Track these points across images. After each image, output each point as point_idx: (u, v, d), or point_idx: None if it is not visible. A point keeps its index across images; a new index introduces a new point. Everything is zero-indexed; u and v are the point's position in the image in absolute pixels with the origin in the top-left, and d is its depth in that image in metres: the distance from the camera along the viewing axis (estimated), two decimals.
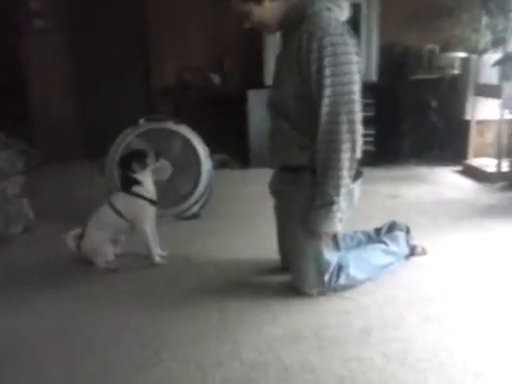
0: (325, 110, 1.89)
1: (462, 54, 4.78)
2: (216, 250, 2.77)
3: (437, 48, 4.98)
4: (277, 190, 2.28)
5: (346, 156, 1.90)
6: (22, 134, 4.97)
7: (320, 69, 1.87)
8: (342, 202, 1.97)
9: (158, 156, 2.62)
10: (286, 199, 2.19)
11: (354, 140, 1.91)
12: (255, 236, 2.87)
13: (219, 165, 4.75)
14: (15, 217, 3.10)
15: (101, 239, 2.54)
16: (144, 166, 2.56)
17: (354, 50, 1.91)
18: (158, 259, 2.58)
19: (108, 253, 2.58)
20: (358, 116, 1.92)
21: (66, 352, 1.81)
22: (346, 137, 1.89)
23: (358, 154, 1.95)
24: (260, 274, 2.41)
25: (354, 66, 1.89)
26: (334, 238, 2.11)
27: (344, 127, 1.89)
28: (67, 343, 1.88)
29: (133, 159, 2.56)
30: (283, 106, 2.06)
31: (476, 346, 1.75)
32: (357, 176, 2.08)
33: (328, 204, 1.95)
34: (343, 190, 1.94)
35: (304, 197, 2.05)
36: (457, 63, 4.79)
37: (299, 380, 1.59)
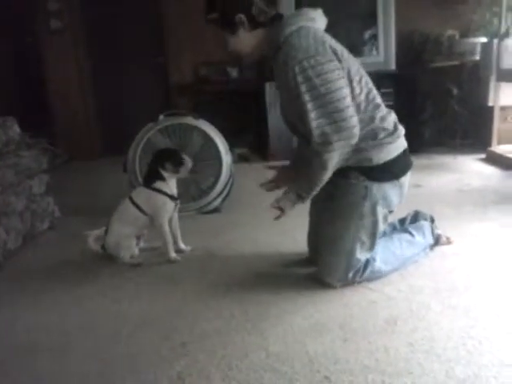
0: (315, 132, 1.90)
1: (482, 39, 4.69)
2: (239, 243, 2.79)
3: (457, 34, 4.90)
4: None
5: (329, 168, 1.95)
6: (43, 133, 5.08)
7: (299, 95, 1.89)
8: (376, 193, 2.05)
9: (192, 171, 2.65)
10: (327, 197, 2.18)
11: (347, 137, 1.90)
12: (278, 228, 2.86)
13: (239, 159, 4.77)
14: (41, 214, 3.16)
15: (124, 234, 2.57)
16: (176, 171, 2.58)
17: (332, 66, 1.89)
18: (173, 256, 2.59)
19: (132, 247, 2.61)
20: (348, 121, 1.89)
21: (92, 345, 1.85)
22: (334, 154, 1.91)
23: (353, 141, 1.93)
24: (284, 266, 2.42)
25: (332, 83, 1.88)
26: (373, 237, 2.10)
27: (332, 147, 1.90)
28: (93, 337, 1.91)
29: (169, 160, 2.57)
30: (294, 125, 2.12)
31: (504, 335, 1.73)
32: (407, 168, 2.12)
33: (297, 194, 2.04)
34: (314, 192, 2.03)
35: (350, 195, 2.08)
36: (478, 49, 4.70)
37: (325, 371, 1.59)
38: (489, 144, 4.46)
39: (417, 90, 4.91)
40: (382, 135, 2.03)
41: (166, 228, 2.58)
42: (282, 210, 2.07)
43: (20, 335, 1.97)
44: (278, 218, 2.10)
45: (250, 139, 5.10)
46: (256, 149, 5.07)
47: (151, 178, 2.58)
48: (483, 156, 4.43)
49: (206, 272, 2.43)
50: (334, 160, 1.93)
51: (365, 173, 2.05)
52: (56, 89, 5.66)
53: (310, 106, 1.88)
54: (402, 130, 2.12)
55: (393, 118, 2.11)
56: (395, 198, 2.11)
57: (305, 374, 1.58)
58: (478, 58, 4.67)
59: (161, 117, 3.41)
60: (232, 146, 3.55)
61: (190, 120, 3.36)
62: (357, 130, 1.91)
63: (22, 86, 5.47)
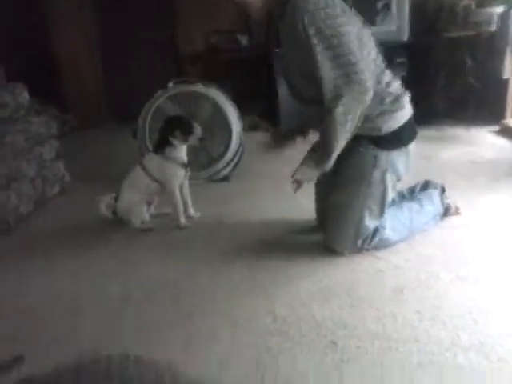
0: (327, 86, 1.86)
1: (499, 9, 4.57)
2: (248, 210, 2.80)
3: (473, 3, 4.76)
4: None
5: (343, 124, 1.88)
6: (52, 100, 5.07)
7: (310, 48, 1.85)
8: (385, 161, 2.04)
9: (202, 139, 2.63)
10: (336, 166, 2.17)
11: (361, 99, 1.86)
12: (287, 197, 2.86)
13: (249, 126, 4.74)
14: (51, 180, 3.18)
15: (135, 200, 2.59)
16: (185, 139, 2.57)
17: (343, 20, 1.86)
18: (183, 222, 2.61)
19: (142, 213, 2.63)
20: (361, 74, 1.84)
21: (103, 308, 1.88)
22: (346, 108, 1.85)
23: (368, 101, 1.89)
24: (292, 233, 2.43)
25: (344, 36, 1.84)
26: (382, 205, 2.10)
27: (343, 101, 1.85)
28: (104, 300, 1.94)
29: (179, 128, 2.56)
30: (298, 91, 2.11)
31: (511, 306, 1.73)
32: (413, 135, 2.11)
33: (315, 163, 2.00)
34: (332, 158, 1.96)
35: (359, 163, 2.08)
36: (494, 19, 4.58)
37: (332, 335, 1.61)
38: (502, 116, 4.39)
39: (430, 60, 4.81)
40: (388, 100, 2.01)
41: (177, 195, 2.59)
42: (299, 182, 2.06)
43: (31, 298, 2.00)
44: (296, 189, 2.09)
45: (261, 107, 5.04)
46: (266, 117, 5.02)
47: (162, 145, 2.58)
48: (496, 128, 4.36)
49: (216, 238, 2.45)
50: (348, 116, 1.86)
51: (373, 141, 2.05)
52: (63, 54, 5.62)
53: (321, 58, 1.84)
54: (407, 95, 2.11)
55: (398, 83, 2.10)
56: (403, 165, 2.11)
57: (312, 339, 1.60)
58: (494, 28, 4.55)
59: (170, 84, 3.38)
60: (242, 113, 3.52)
61: (199, 88, 3.34)
62: (370, 84, 1.86)
63: (27, 51, 5.41)
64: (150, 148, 3.12)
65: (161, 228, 2.62)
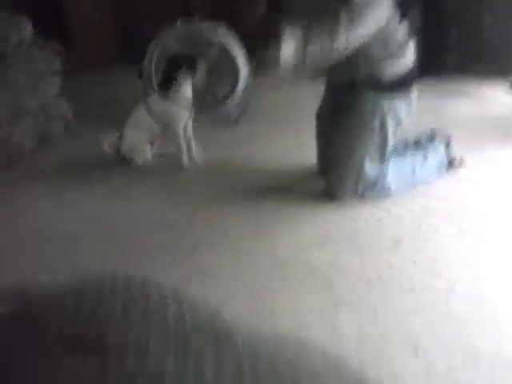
0: None
1: None
2: (254, 155, 2.77)
3: None
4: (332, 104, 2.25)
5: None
6: (56, 36, 4.95)
7: None
8: (386, 106, 2.05)
9: (210, 76, 2.58)
10: (336, 110, 2.17)
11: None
12: (295, 142, 2.83)
13: (258, 69, 4.61)
14: (55, 117, 3.14)
15: (138, 139, 2.57)
16: (191, 74, 2.53)
17: None
18: (187, 163, 2.60)
19: (145, 152, 2.62)
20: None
21: (102, 243, 1.90)
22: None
23: None
24: (296, 179, 2.42)
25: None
26: (383, 151, 2.08)
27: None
28: (104, 234, 1.96)
29: (184, 63, 2.53)
30: None
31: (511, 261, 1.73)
32: (415, 81, 2.14)
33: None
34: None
35: (360, 108, 2.07)
36: None
37: (327, 279, 1.63)
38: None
39: (446, 12, 4.63)
40: (392, 45, 2.01)
41: (181, 135, 2.57)
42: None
43: (32, 229, 2.03)
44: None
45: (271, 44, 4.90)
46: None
47: (166, 84, 2.53)
48: (508, 84, 4.25)
49: (219, 182, 2.45)
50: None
51: (375, 86, 2.04)
52: None
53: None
54: (412, 43, 2.10)
55: (405, 30, 2.07)
56: (404, 111, 2.11)
57: (308, 281, 1.62)
58: None
59: (178, 23, 3.28)
60: (251, 55, 3.42)
61: (207, 27, 3.23)
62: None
63: None
64: (156, 88, 3.06)
65: (163, 169, 2.61)
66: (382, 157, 2.10)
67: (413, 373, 1.27)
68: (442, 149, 2.35)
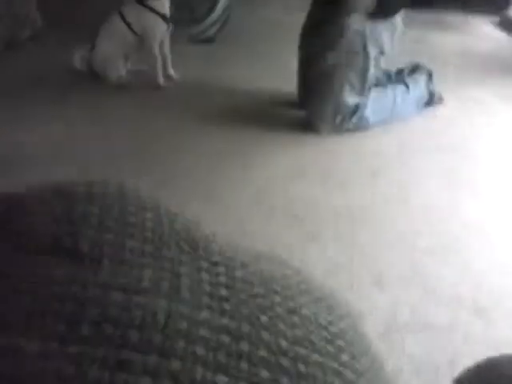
0: None
1: None
2: (230, 77, 2.67)
3: None
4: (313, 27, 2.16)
5: None
6: None
7: None
8: (368, 31, 2.00)
9: None
10: (319, 32, 2.08)
11: None
12: (274, 67, 2.74)
13: None
14: (22, 21, 2.95)
15: (112, 53, 2.44)
16: None
17: None
18: (162, 81, 2.50)
19: (119, 67, 2.50)
20: None
21: (79, 161, 1.85)
22: None
23: None
24: (275, 107, 2.37)
25: None
26: (363, 80, 2.05)
27: None
28: (79, 153, 1.90)
29: None
30: None
31: (484, 201, 1.77)
32: (400, 7, 2.05)
33: None
34: None
35: (341, 30, 2.01)
36: None
37: (299, 211, 1.64)
38: (506, 7, 4.17)
39: None
40: None
41: (156, 50, 2.45)
42: None
43: (3, 147, 1.94)
44: None
45: None
46: None
47: None
48: (497, 19, 4.16)
49: (194, 103, 2.37)
50: None
51: (358, 10, 1.98)
52: None
53: None
54: None
55: None
56: (387, 39, 2.06)
57: (281, 213, 1.63)
58: None
59: None
60: None
61: None
62: None
63: None
64: None
65: (137, 85, 2.51)
66: (363, 86, 2.06)
67: (377, 307, 1.31)
68: (423, 84, 2.32)
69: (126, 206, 0.47)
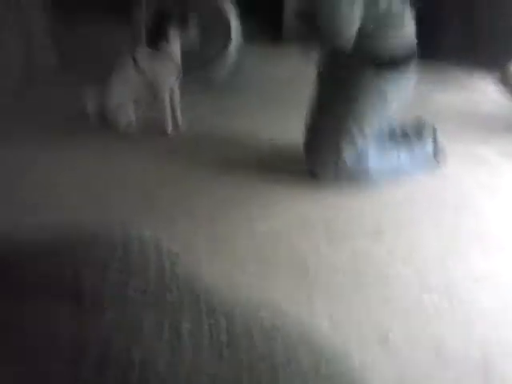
0: None
1: None
2: (239, 124, 2.71)
3: None
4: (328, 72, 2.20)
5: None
6: None
7: None
8: (383, 82, 2.01)
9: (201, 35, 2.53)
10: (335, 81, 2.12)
11: None
12: (281, 119, 2.77)
13: (249, 36, 4.50)
14: (36, 61, 3.01)
15: (122, 97, 2.48)
16: (181, 29, 2.46)
17: None
18: (170, 129, 2.54)
19: (129, 113, 2.53)
20: None
21: (82, 199, 1.85)
22: None
23: None
24: (281, 156, 2.37)
25: None
26: (369, 127, 2.06)
27: None
28: (83, 191, 1.91)
29: (174, 18, 2.45)
30: None
31: (494, 255, 1.75)
32: (413, 60, 2.07)
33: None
34: None
35: (356, 81, 2.02)
36: None
37: (304, 264, 1.62)
38: (508, 61, 4.22)
39: None
40: (389, 20, 1.95)
41: (166, 98, 2.50)
42: None
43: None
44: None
45: (263, 14, 4.77)
46: (268, 26, 4.77)
47: (156, 37, 2.45)
48: (500, 75, 4.22)
49: (201, 152, 2.40)
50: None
51: (374, 61, 2.00)
52: None
53: None
54: (409, 14, 2.03)
55: (404, 6, 2.01)
56: (400, 91, 2.07)
57: (285, 265, 1.62)
58: None
59: None
60: (243, 20, 3.33)
61: None
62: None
63: None
64: (145, 40, 2.99)
65: (145, 132, 2.54)
66: (368, 133, 2.06)
67: (381, 362, 1.28)
68: (427, 141, 2.32)
69: (130, 248, 0.47)
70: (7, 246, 0.57)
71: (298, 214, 1.93)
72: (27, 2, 2.93)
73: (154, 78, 2.46)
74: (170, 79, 2.48)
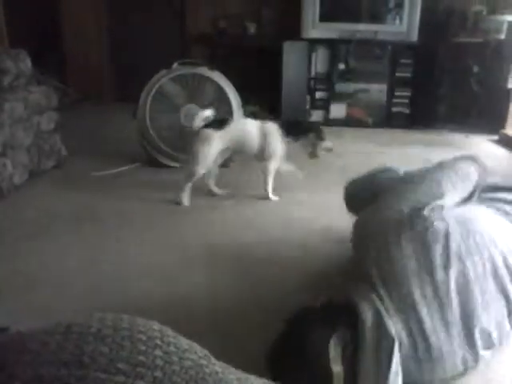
0: None
1: (510, 18, 4.56)
2: (241, 208, 2.74)
3: (484, 10, 4.75)
4: None
5: None
6: (55, 71, 5.03)
7: None
8: None
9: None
10: None
11: None
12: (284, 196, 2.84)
13: (249, 116, 4.72)
14: (48, 152, 3.16)
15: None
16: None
17: None
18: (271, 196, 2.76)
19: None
20: None
21: (92, 284, 1.88)
22: None
23: None
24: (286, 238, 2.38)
25: None
26: None
27: None
28: (94, 275, 1.94)
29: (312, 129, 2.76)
30: None
31: None
32: None
33: None
34: None
35: None
36: (504, 27, 4.57)
37: None
38: (503, 126, 4.40)
39: (436, 64, 4.80)
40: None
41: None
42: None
43: (19, 270, 1.98)
44: None
45: (263, 97, 5.02)
46: (267, 107, 5.00)
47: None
48: (496, 138, 4.37)
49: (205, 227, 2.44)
50: None
51: None
52: (70, 26, 5.57)
53: None
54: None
55: None
56: None
57: None
58: (502, 36, 4.55)
59: (175, 65, 3.36)
60: (244, 101, 3.50)
61: (204, 70, 3.31)
62: None
63: (35, 20, 5.35)
64: (151, 131, 3.17)
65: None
66: None
67: None
68: None
69: (137, 345, 0.48)
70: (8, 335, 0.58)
71: None
72: (41, 101, 3.10)
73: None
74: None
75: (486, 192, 1.65)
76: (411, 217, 1.37)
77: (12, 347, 0.53)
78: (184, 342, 0.60)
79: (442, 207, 1.41)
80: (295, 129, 2.71)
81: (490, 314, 1.27)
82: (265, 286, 1.83)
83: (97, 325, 0.57)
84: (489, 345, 1.28)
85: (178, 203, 2.64)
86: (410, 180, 1.60)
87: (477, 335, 1.25)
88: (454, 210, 1.43)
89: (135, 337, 0.55)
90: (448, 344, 1.23)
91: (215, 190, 2.82)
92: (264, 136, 2.65)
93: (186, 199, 2.66)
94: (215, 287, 1.84)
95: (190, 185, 2.67)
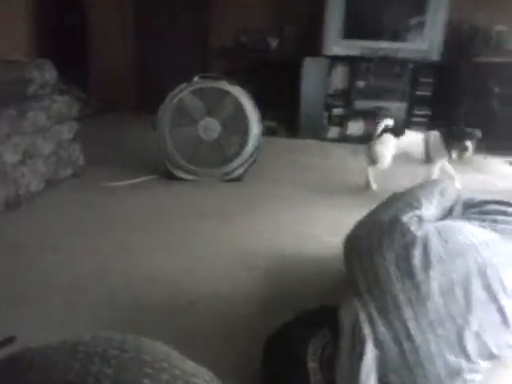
0: None
1: None
2: (255, 215, 2.78)
3: (507, 29, 4.72)
4: None
5: None
6: (79, 81, 5.12)
7: None
8: None
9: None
10: None
11: None
12: (296, 211, 2.84)
13: (267, 131, 4.74)
14: (65, 161, 3.20)
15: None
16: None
17: None
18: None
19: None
20: None
21: (103, 292, 1.90)
22: None
23: None
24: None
25: None
26: None
27: None
28: (105, 284, 1.96)
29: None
30: None
31: None
32: None
33: None
34: None
35: None
36: None
37: None
38: None
39: (457, 83, 4.77)
40: None
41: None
42: None
43: (34, 276, 2.01)
44: None
45: (281, 112, 5.05)
46: (285, 123, 5.03)
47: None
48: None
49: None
50: None
51: None
52: (97, 37, 5.67)
53: None
54: None
55: None
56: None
57: None
58: None
59: (195, 78, 3.39)
60: (262, 116, 3.52)
61: (224, 84, 3.34)
62: None
63: (63, 31, 5.46)
64: (169, 143, 3.19)
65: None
66: None
67: None
68: None
69: (142, 368, 0.49)
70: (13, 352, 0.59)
71: None
72: (63, 110, 3.16)
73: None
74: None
75: (475, 207, 1.72)
76: (390, 224, 1.48)
77: (21, 364, 0.54)
78: (190, 366, 0.60)
79: (419, 216, 1.52)
80: (454, 137, 3.13)
81: (480, 319, 1.28)
82: None
83: (103, 345, 0.58)
84: (487, 354, 1.30)
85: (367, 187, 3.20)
86: (394, 197, 1.72)
87: (467, 338, 1.27)
88: (433, 222, 1.54)
89: (141, 358, 0.56)
90: (435, 343, 1.25)
91: (373, 185, 3.24)
92: (427, 144, 3.16)
93: (373, 184, 3.22)
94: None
95: (373, 173, 3.24)
